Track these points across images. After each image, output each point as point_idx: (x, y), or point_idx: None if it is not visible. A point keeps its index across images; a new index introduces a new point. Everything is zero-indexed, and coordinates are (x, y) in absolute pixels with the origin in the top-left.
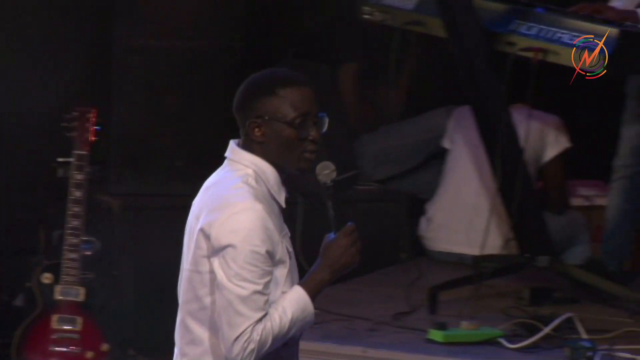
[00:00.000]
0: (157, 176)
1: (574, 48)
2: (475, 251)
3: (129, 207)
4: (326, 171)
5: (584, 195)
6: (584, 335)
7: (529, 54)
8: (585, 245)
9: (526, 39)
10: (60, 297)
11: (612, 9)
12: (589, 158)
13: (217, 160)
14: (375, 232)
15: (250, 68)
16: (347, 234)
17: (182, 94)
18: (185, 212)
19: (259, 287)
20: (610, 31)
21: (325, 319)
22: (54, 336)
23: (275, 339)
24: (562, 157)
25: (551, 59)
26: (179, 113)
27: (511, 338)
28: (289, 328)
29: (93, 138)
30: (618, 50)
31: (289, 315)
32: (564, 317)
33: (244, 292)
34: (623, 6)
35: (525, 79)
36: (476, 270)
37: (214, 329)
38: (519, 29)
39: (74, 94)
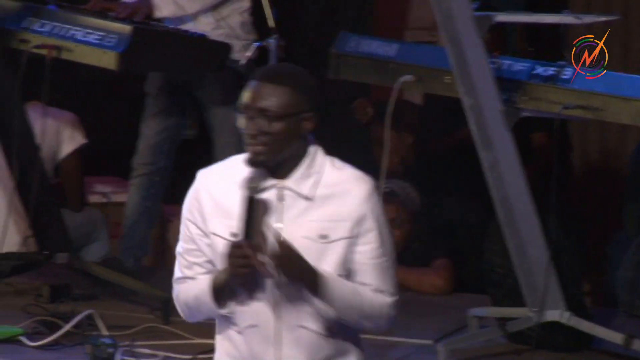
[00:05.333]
0: None
1: (88, 44)
2: None
3: None
4: (253, 185)
5: (101, 191)
6: (105, 332)
7: (44, 51)
8: (103, 242)
9: (40, 36)
10: None
11: (123, 5)
12: (106, 155)
13: None
14: None
15: None
16: (238, 246)
17: None
18: None
19: (180, 250)
20: (123, 28)
21: None
22: None
23: (184, 307)
24: (78, 154)
25: (65, 55)
26: None
27: (32, 336)
28: (191, 307)
29: None
30: (132, 48)
31: (192, 295)
32: (84, 313)
33: (177, 249)
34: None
35: (41, 76)
36: None
37: None
38: (32, 26)
39: None
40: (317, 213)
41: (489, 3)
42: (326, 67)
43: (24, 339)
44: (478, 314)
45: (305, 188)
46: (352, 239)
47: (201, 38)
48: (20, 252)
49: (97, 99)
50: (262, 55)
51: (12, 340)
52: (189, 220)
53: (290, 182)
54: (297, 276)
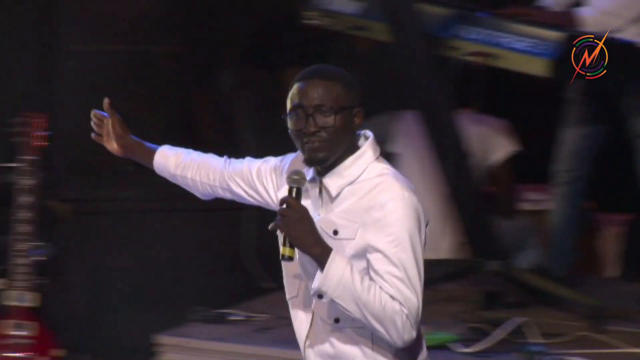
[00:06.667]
0: (105, 181)
1: (516, 51)
2: (427, 255)
3: (79, 212)
4: (296, 177)
5: (532, 199)
6: (537, 340)
7: (474, 58)
8: (534, 250)
9: (469, 43)
10: (13, 303)
11: (542, 10)
12: (536, 162)
13: None
14: None
15: (192, 72)
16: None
17: (127, 98)
18: (133, 216)
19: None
20: (556, 35)
21: (277, 324)
22: (7, 342)
23: None
24: (510, 161)
25: (493, 63)
26: (124, 117)
27: (463, 342)
28: None
29: (44, 143)
30: (565, 55)
31: None
32: (518, 321)
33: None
34: (553, 5)
35: (471, 84)
36: (428, 275)
37: None
38: (462, 34)
39: (19, 99)
40: (338, 209)
41: None
42: None
43: (454, 345)
44: None
45: (334, 187)
46: (363, 243)
47: (630, 45)
48: (454, 259)
49: (526, 106)
50: None
51: (442, 346)
52: (273, 170)
53: (327, 177)
54: (301, 239)
